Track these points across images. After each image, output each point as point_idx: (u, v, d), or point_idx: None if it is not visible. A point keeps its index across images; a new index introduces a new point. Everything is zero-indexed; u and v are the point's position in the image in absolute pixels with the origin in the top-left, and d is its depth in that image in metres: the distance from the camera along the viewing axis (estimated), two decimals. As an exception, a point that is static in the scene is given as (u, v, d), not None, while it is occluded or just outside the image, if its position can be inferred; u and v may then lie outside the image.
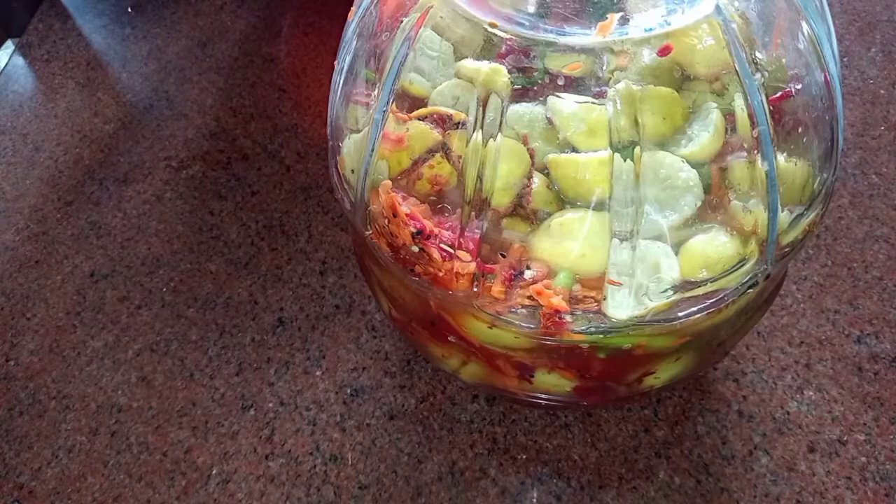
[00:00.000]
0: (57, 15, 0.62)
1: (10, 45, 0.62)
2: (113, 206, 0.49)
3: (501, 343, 0.29)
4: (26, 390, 0.41)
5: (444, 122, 0.27)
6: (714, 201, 0.26)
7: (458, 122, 0.27)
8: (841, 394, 0.38)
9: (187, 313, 0.44)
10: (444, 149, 0.27)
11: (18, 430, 0.40)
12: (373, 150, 0.29)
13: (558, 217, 0.26)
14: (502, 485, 0.36)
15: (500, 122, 0.26)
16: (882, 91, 0.51)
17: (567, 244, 0.26)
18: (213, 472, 0.38)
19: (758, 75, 0.26)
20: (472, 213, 0.26)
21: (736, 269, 0.27)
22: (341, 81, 0.31)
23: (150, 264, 0.46)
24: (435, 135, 0.27)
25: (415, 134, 0.27)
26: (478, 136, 0.26)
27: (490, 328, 0.29)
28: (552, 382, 0.31)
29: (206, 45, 0.58)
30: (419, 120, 0.27)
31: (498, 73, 0.26)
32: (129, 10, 0.62)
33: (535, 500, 0.36)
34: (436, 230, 0.27)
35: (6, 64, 0.59)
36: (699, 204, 0.26)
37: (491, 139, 0.26)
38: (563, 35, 0.25)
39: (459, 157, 0.27)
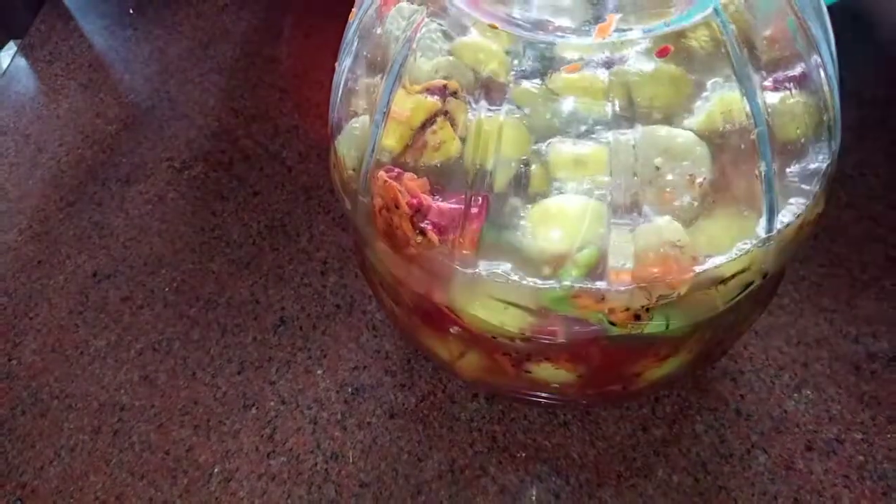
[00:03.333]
0: (59, 16, 0.63)
1: (12, 47, 0.62)
2: (115, 206, 0.49)
3: (503, 332, 0.29)
4: (29, 389, 0.41)
5: (441, 91, 0.27)
6: (717, 185, 0.27)
7: (454, 91, 0.27)
8: (838, 393, 0.38)
9: (189, 313, 0.44)
10: (445, 114, 0.27)
11: (21, 428, 0.40)
12: (373, 151, 0.29)
13: (557, 200, 0.26)
14: (501, 483, 0.36)
15: (502, 103, 0.26)
16: (881, 92, 0.51)
17: (565, 229, 0.26)
18: (215, 470, 0.38)
19: (756, 76, 0.26)
20: (473, 193, 0.27)
21: (740, 255, 0.27)
22: (342, 82, 0.31)
23: (153, 264, 0.46)
24: (432, 102, 0.27)
25: (414, 107, 0.28)
26: (480, 115, 0.26)
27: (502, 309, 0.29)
28: (550, 374, 0.32)
29: (208, 47, 0.59)
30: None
31: (501, 66, 0.26)
32: (131, 11, 0.62)
33: (534, 498, 0.36)
34: (433, 204, 0.27)
35: (9, 65, 0.60)
36: (709, 178, 0.26)
37: (492, 116, 0.26)
38: (563, 38, 0.26)
39: (461, 125, 0.27)
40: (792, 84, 0.28)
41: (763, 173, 0.26)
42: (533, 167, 0.27)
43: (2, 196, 0.51)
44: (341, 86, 0.31)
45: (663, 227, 0.26)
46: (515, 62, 0.26)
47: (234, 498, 0.37)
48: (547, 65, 0.26)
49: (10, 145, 0.54)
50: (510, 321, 0.29)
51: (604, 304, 0.27)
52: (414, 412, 0.39)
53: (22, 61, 0.60)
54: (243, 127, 0.53)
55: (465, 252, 0.27)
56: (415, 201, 0.27)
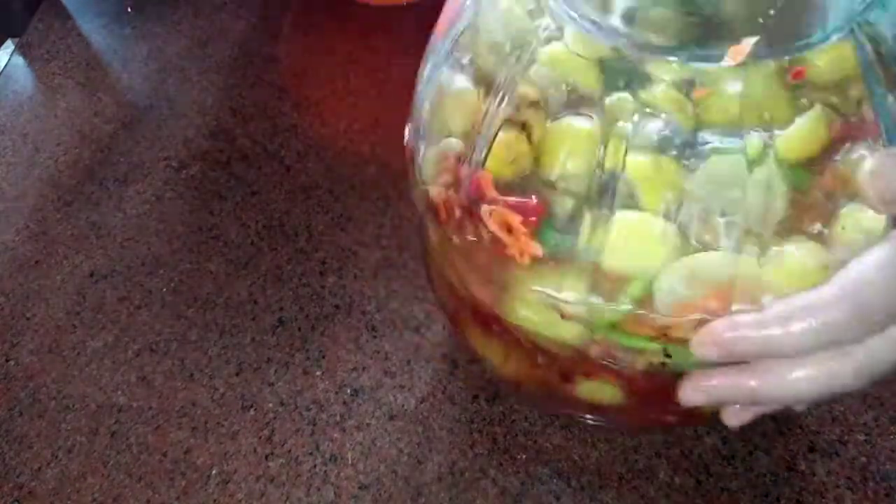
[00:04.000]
0: (57, 14, 0.62)
1: (10, 45, 0.62)
2: (113, 206, 0.49)
3: (548, 341, 0.29)
4: (26, 390, 0.41)
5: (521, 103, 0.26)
6: (802, 210, 0.24)
7: (533, 102, 0.26)
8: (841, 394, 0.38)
9: (187, 313, 0.44)
10: (522, 126, 0.26)
11: (18, 430, 0.40)
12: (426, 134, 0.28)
13: (629, 218, 0.25)
14: (502, 485, 0.36)
15: (588, 114, 0.25)
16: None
17: (643, 248, 0.25)
18: (213, 472, 0.38)
19: (891, 97, 0.24)
20: (540, 199, 0.26)
21: None
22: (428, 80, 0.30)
23: (150, 264, 0.46)
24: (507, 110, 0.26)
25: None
26: (562, 123, 0.25)
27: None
28: (594, 391, 0.31)
29: (206, 45, 0.58)
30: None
31: (594, 77, 0.25)
32: (129, 9, 0.62)
33: (535, 501, 0.36)
34: (495, 196, 0.26)
35: (6, 64, 0.59)
36: (784, 216, 0.24)
37: (573, 126, 0.25)
38: (666, 58, 0.24)
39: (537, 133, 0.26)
40: None
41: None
42: (612, 181, 0.25)
43: (-1, 196, 0.50)
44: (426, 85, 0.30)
45: (737, 261, 0.24)
46: (608, 74, 0.25)
47: (232, 500, 0.37)
48: (642, 79, 0.25)
49: (8, 144, 0.53)
50: (559, 332, 0.28)
51: (658, 333, 0.26)
52: (413, 414, 0.39)
53: (19, 60, 0.59)
54: (241, 126, 0.53)
55: (521, 254, 0.27)
56: (473, 188, 0.26)
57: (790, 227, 0.25)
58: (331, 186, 0.49)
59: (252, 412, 0.39)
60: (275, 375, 0.41)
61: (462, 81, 0.28)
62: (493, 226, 0.27)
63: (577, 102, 0.25)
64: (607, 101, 0.25)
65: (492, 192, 0.26)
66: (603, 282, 0.26)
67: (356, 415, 0.39)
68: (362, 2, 0.60)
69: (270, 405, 0.40)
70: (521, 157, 0.26)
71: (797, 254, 0.25)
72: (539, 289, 0.27)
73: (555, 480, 0.36)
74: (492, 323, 0.31)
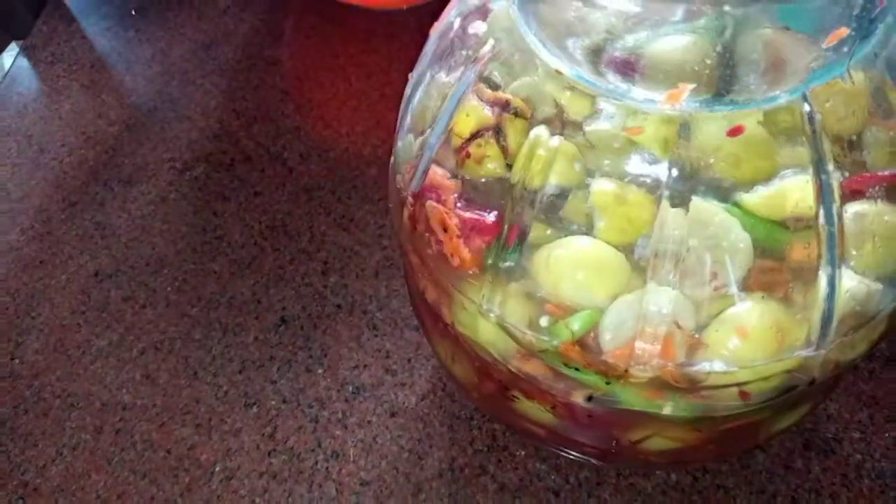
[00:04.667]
0: (61, 17, 0.63)
1: (14, 48, 0.62)
2: (117, 206, 0.50)
3: (488, 353, 0.29)
4: (31, 389, 0.42)
5: (502, 105, 0.26)
6: (767, 273, 0.24)
7: (515, 109, 0.25)
8: (836, 392, 0.38)
9: (191, 312, 0.44)
10: (495, 131, 0.26)
11: (23, 428, 0.40)
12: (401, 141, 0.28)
13: (581, 246, 0.24)
14: (501, 481, 0.37)
15: (571, 136, 0.24)
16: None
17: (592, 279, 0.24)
18: (217, 468, 0.38)
19: (837, 173, 0.23)
20: (516, 208, 0.25)
21: (775, 361, 0.24)
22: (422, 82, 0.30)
23: (155, 264, 0.46)
24: (487, 115, 0.26)
25: (468, 110, 0.26)
26: (541, 139, 0.24)
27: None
28: (530, 409, 0.31)
29: (210, 48, 0.59)
30: (478, 98, 0.26)
31: (583, 107, 0.24)
32: (133, 12, 0.63)
33: (533, 497, 0.36)
34: (453, 207, 0.26)
35: (11, 66, 0.60)
36: (745, 272, 0.24)
37: (555, 138, 0.24)
38: (627, 97, 0.23)
39: (511, 144, 0.26)
40: (879, 193, 0.24)
41: (827, 278, 0.23)
42: (572, 198, 0.25)
43: (4, 196, 0.51)
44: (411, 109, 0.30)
45: (672, 302, 0.24)
46: (596, 105, 0.24)
47: (235, 496, 0.37)
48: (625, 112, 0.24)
49: (13, 146, 0.54)
50: (497, 346, 0.28)
51: (592, 366, 0.26)
52: (414, 411, 0.39)
53: (24, 62, 0.60)
54: (245, 128, 0.53)
55: (452, 255, 0.26)
56: (433, 195, 0.26)
57: (756, 282, 0.24)
58: (333, 187, 0.49)
59: (255, 409, 0.40)
60: (277, 373, 0.41)
61: (442, 77, 0.28)
62: (434, 222, 0.26)
63: (560, 123, 0.25)
64: (588, 127, 0.24)
65: (450, 201, 0.26)
66: (545, 307, 0.25)
67: (357, 412, 0.39)
68: (364, 6, 0.60)
69: (273, 402, 0.40)
70: (489, 160, 0.26)
71: (752, 311, 0.24)
72: (476, 301, 0.26)
73: (553, 476, 0.37)
74: (438, 321, 0.30)
